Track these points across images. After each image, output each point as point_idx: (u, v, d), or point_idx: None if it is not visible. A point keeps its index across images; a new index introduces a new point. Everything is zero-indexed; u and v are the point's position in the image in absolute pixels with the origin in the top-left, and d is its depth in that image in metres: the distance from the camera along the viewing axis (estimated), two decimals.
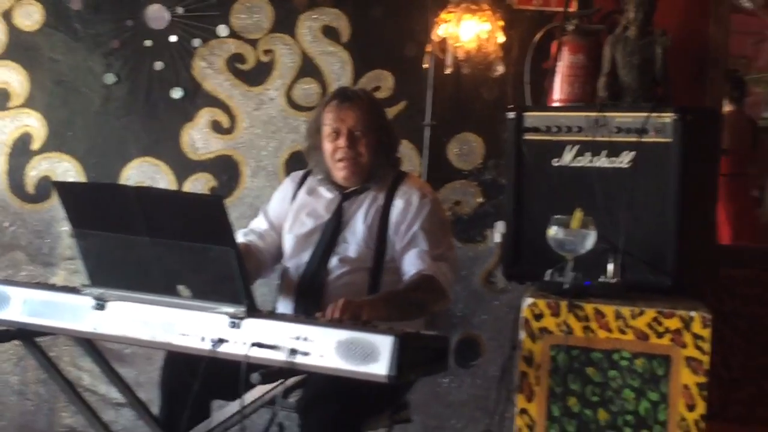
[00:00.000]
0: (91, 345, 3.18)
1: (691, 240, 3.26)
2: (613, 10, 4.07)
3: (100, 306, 2.88)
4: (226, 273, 2.66)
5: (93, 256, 2.92)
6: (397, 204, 3.37)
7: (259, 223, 3.58)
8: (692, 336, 2.80)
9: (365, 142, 3.35)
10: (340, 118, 3.35)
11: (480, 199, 4.28)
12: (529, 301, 2.96)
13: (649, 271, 3.18)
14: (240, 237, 3.47)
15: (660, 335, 2.84)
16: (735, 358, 3.78)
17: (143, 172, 4.58)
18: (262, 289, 3.77)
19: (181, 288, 2.75)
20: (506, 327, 3.87)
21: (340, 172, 3.38)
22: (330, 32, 4.43)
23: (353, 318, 2.81)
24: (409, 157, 4.27)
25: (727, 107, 6.07)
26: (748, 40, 8.39)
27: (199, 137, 4.53)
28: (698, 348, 2.79)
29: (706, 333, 2.79)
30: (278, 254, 3.53)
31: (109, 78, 4.59)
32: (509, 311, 4.07)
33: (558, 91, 3.90)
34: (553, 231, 2.99)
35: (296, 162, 4.29)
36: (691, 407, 2.79)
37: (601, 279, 3.08)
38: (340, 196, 3.44)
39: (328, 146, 3.38)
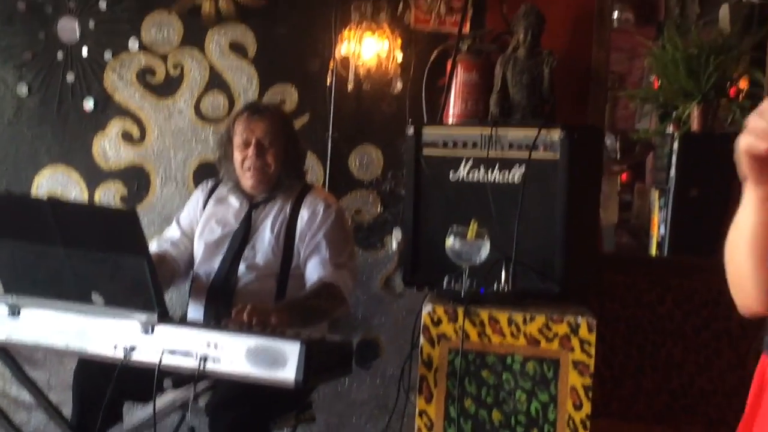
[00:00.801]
0: (4, 351, 3.08)
1: (577, 249, 3.31)
2: (504, 31, 4.12)
3: (14, 313, 2.80)
4: (139, 281, 2.63)
5: (7, 264, 2.84)
6: (303, 213, 3.37)
7: (172, 232, 3.53)
8: (579, 341, 2.84)
9: (273, 153, 3.35)
10: (249, 129, 3.35)
11: (379, 208, 4.28)
12: (428, 308, 2.97)
13: (539, 278, 3.21)
14: (154, 246, 3.42)
15: (549, 340, 2.88)
16: (616, 357, 3.85)
17: (55, 181, 4.45)
18: (171, 294, 3.72)
19: (94, 296, 2.71)
20: (404, 329, 3.89)
21: (248, 181, 3.37)
22: (237, 47, 4.37)
23: (261, 324, 2.78)
24: (313, 168, 4.24)
25: None
26: (623, 55, 8.56)
27: (110, 147, 4.43)
28: (584, 352, 2.84)
29: (591, 338, 2.84)
30: (192, 261, 3.49)
31: (22, 89, 4.45)
32: (407, 314, 4.11)
33: (453, 107, 3.94)
34: (451, 242, 3.00)
35: (204, 171, 4.23)
36: (578, 407, 2.83)
37: (495, 287, 3.11)
38: (248, 205, 3.42)
39: (237, 156, 3.37)
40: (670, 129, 5.80)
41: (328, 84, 4.21)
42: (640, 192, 7.37)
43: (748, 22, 4.83)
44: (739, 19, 5.95)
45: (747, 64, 4.67)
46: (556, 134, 3.30)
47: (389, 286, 4.23)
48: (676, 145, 5.48)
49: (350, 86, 4.14)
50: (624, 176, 7.89)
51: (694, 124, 5.00)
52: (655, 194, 6.62)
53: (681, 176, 4.54)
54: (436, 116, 4.01)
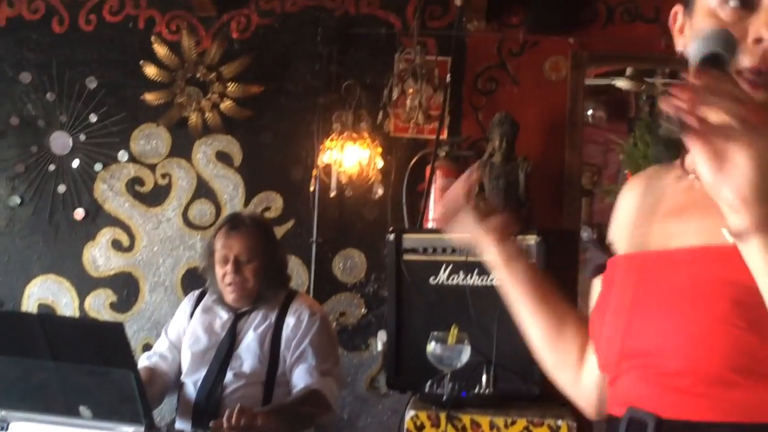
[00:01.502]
0: None
1: None
2: (480, 138, 4.19)
3: (3, 428, 2.77)
4: (127, 394, 2.60)
5: None
6: (289, 321, 3.35)
7: (161, 344, 3.51)
8: None
9: (251, 268, 3.34)
10: (228, 245, 3.35)
11: (363, 310, 4.28)
12: (411, 413, 2.95)
13: (520, 380, 3.21)
14: (144, 360, 3.41)
15: None
16: None
17: (46, 289, 4.45)
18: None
19: (82, 409, 2.67)
20: (389, 430, 3.86)
21: (229, 296, 3.36)
22: (223, 157, 4.43)
23: (248, 425, 2.76)
24: (298, 272, 4.25)
25: None
26: (599, 149, 8.67)
27: (100, 255, 4.44)
28: None
29: None
30: (181, 372, 3.46)
31: (14, 200, 4.48)
32: (392, 414, 4.07)
33: (433, 212, 3.96)
34: (432, 347, 3.00)
35: (192, 277, 4.23)
36: None
37: (477, 390, 3.10)
38: (233, 316, 3.41)
39: (218, 270, 3.37)
40: None
41: (311, 191, 4.25)
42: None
43: None
44: None
45: None
46: (532, 239, 3.34)
47: (374, 386, 4.21)
48: None
49: (333, 193, 4.18)
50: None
51: None
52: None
53: None
54: (417, 220, 4.04)
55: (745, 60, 1.18)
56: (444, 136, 4.18)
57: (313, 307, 3.45)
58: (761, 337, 1.10)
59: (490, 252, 1.56)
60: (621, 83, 7.05)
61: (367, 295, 4.28)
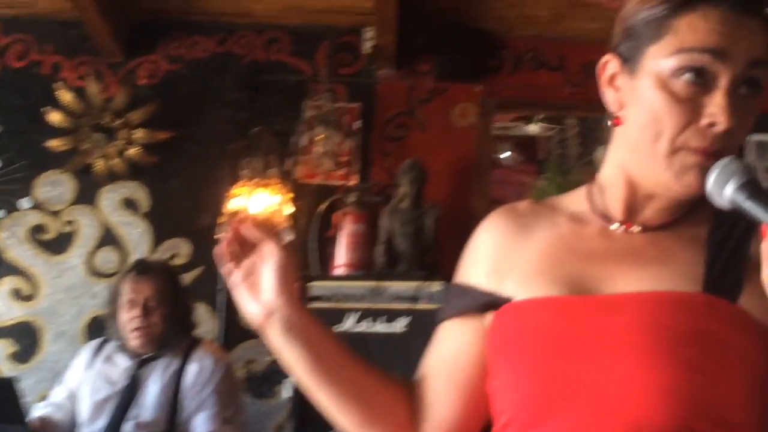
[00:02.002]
0: None
1: None
2: (389, 184, 4.19)
3: None
4: None
5: None
6: (192, 368, 3.29)
7: (59, 394, 3.40)
8: None
9: (159, 313, 3.28)
10: (137, 289, 3.29)
11: (271, 358, 4.20)
12: None
13: None
14: (40, 409, 3.28)
15: None
16: None
17: None
18: None
19: None
20: None
21: (134, 341, 3.29)
22: (130, 204, 4.34)
23: None
24: (206, 320, 4.17)
25: None
26: (512, 190, 8.77)
27: (0, 305, 4.29)
28: None
29: None
30: (78, 422, 3.36)
31: None
32: None
33: (341, 258, 3.94)
34: None
35: (97, 326, 4.09)
36: None
37: None
38: (135, 363, 3.33)
39: (124, 315, 3.29)
40: None
41: (219, 238, 4.17)
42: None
43: None
44: None
45: None
46: (437, 285, 3.34)
47: None
48: None
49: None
50: None
51: None
52: None
53: None
54: (326, 266, 4.01)
55: (695, 140, 1.13)
56: (353, 182, 4.17)
57: (217, 355, 3.40)
58: (729, 385, 1.08)
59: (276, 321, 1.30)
60: (531, 127, 7.15)
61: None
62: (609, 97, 1.25)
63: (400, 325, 3.33)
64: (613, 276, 1.20)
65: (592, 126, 6.69)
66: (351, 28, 4.27)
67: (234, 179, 4.17)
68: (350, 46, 4.31)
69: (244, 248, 1.36)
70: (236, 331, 4.19)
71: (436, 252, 3.90)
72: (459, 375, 1.30)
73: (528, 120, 6.59)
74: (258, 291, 1.32)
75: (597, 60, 4.17)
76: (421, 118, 4.32)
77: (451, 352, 1.32)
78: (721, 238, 1.23)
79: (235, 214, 4.12)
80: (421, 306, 3.34)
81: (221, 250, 1.35)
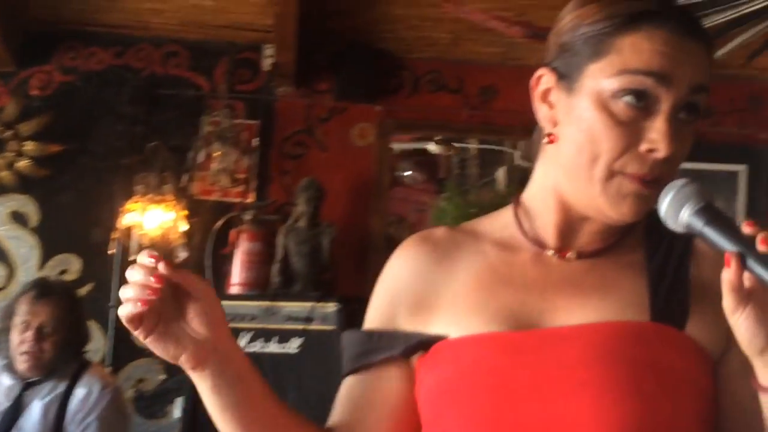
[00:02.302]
0: None
1: None
2: (287, 202, 4.18)
3: None
4: None
5: None
6: (78, 393, 3.20)
7: None
8: None
9: (52, 340, 3.17)
10: (32, 312, 3.17)
11: (162, 376, 4.13)
12: None
13: None
14: None
15: None
16: None
17: None
18: None
19: None
20: None
21: (22, 365, 3.17)
22: (18, 217, 4.21)
23: None
24: (95, 337, 4.07)
25: None
26: (413, 207, 8.86)
27: None
28: None
29: None
30: None
31: None
32: None
33: (236, 276, 3.92)
34: None
35: None
36: None
37: None
38: (20, 385, 3.22)
39: (15, 336, 3.17)
40: None
41: (111, 254, 4.09)
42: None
43: (522, 183, 5.06)
44: (514, 181, 6.29)
45: None
46: (331, 306, 3.35)
47: None
48: None
49: (133, 256, 4.03)
50: None
51: None
52: None
53: None
54: (221, 284, 3.97)
55: (633, 166, 1.10)
56: (250, 199, 4.14)
57: (105, 380, 3.31)
58: (685, 417, 1.06)
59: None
60: (431, 147, 7.22)
61: (167, 360, 4.12)
62: (542, 113, 1.19)
63: (293, 346, 3.33)
64: (555, 307, 1.16)
65: (490, 151, 6.83)
66: (251, 45, 4.25)
67: (128, 194, 4.10)
68: (250, 62, 4.28)
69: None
70: (126, 349, 4.10)
71: (333, 271, 3.91)
72: (385, 425, 1.21)
73: (429, 140, 6.65)
74: (179, 335, 1.11)
75: (495, 83, 4.23)
76: (320, 136, 4.32)
77: (374, 402, 1.22)
78: (659, 262, 1.20)
79: (128, 229, 4.05)
80: (315, 327, 3.34)
81: (140, 297, 1.06)
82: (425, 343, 1.18)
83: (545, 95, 1.18)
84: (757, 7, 2.89)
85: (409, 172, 8.38)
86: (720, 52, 3.15)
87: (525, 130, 4.11)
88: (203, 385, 1.15)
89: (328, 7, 3.81)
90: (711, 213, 1.01)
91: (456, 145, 6.73)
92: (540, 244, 1.21)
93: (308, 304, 3.37)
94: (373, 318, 1.28)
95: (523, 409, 1.08)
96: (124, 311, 1.04)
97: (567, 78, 1.15)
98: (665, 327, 1.11)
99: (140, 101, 4.21)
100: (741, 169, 4.37)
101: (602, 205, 1.13)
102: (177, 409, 4.02)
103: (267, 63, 4.21)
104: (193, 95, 4.26)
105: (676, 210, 1.04)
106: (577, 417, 1.06)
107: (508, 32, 3.37)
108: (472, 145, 6.80)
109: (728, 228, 0.98)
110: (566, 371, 1.09)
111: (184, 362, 1.13)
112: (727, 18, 2.97)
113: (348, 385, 1.25)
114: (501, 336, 1.14)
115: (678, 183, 1.04)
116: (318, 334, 3.34)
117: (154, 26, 4.15)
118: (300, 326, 3.33)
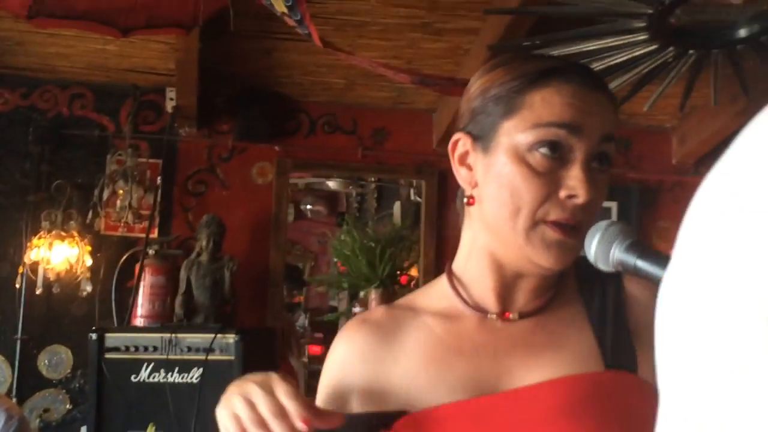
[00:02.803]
0: None
1: None
2: (190, 237, 4.26)
3: None
4: None
5: None
6: None
7: None
8: None
9: None
10: None
11: (68, 406, 4.17)
12: None
13: None
14: None
15: None
16: None
17: None
18: None
19: None
20: None
21: None
22: None
23: None
24: (2, 368, 4.11)
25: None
26: (316, 239, 8.99)
27: None
28: None
29: None
30: None
31: None
32: None
33: (141, 308, 3.97)
34: None
35: None
36: None
37: None
38: None
39: None
40: (357, 308, 6.14)
41: (17, 287, 4.13)
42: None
43: (417, 218, 5.24)
44: (409, 215, 6.47)
45: (417, 254, 5.00)
46: (231, 338, 3.44)
47: None
48: None
49: (39, 290, 4.09)
50: (319, 349, 8.16)
51: (374, 306, 5.35)
52: None
53: None
54: (125, 316, 4.03)
55: (554, 213, 1.11)
56: (154, 235, 4.22)
57: (11, 411, 3.33)
58: None
59: None
60: (331, 184, 7.39)
61: (72, 390, 4.18)
62: (461, 176, 1.20)
63: (194, 376, 3.41)
64: (510, 369, 1.15)
65: (388, 186, 7.02)
66: (154, 88, 4.34)
67: (34, 230, 4.15)
68: (153, 104, 4.37)
69: None
70: (32, 380, 4.15)
71: (233, 304, 4.00)
72: None
73: (329, 177, 6.78)
74: None
75: (386, 125, 4.42)
76: (221, 175, 4.43)
77: None
78: (598, 311, 1.20)
79: (35, 264, 4.10)
80: (215, 357, 3.42)
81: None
82: (387, 421, 1.15)
83: (463, 159, 1.20)
84: (623, 59, 3.11)
85: (311, 207, 8.54)
86: None
87: (415, 168, 4.34)
88: None
89: (229, 53, 3.92)
90: (641, 247, 1.01)
91: (355, 181, 6.89)
92: (481, 311, 1.21)
93: (209, 336, 3.45)
94: (320, 403, 1.23)
95: None
96: None
97: (482, 138, 1.16)
98: (621, 373, 1.11)
99: (46, 141, 4.26)
100: (612, 205, 4.65)
101: (530, 254, 1.13)
102: None
103: (170, 105, 4.29)
104: (98, 135, 4.33)
105: (605, 250, 1.04)
106: None
107: (397, 78, 3.51)
108: (371, 182, 6.99)
109: (661, 258, 0.98)
110: (542, 428, 1.08)
111: None
112: (597, 69, 3.19)
113: None
114: (466, 404, 1.13)
115: (602, 224, 1.06)
116: (218, 363, 3.41)
117: (61, 69, 4.21)
118: (201, 357, 3.41)
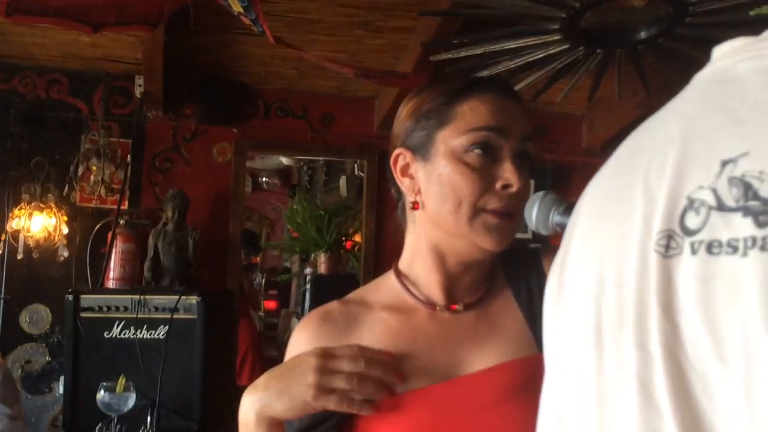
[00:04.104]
0: None
1: (214, 391, 3.41)
2: (157, 209, 4.22)
3: None
4: None
5: None
6: None
7: None
8: None
9: None
10: None
11: (47, 358, 4.12)
12: None
13: (180, 418, 3.27)
14: None
15: None
16: None
17: None
18: None
19: None
20: None
21: None
22: None
23: None
24: None
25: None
26: (270, 207, 8.96)
27: None
28: None
29: None
30: None
31: None
32: None
33: (113, 272, 3.94)
34: (101, 395, 3.00)
35: None
36: None
37: (142, 430, 3.12)
38: None
39: None
40: (308, 270, 6.15)
41: (0, 253, 4.06)
42: (284, 316, 7.65)
43: (360, 190, 5.26)
44: (353, 188, 6.47)
45: (360, 222, 5.03)
46: (194, 299, 3.43)
47: (55, 425, 4.05)
48: (308, 285, 5.83)
49: (20, 255, 4.02)
50: (273, 304, 8.17)
51: (323, 268, 5.37)
52: (294, 320, 6.89)
53: (312, 306, 4.80)
54: (99, 279, 3.99)
55: (492, 202, 1.13)
56: (124, 206, 4.16)
57: None
58: None
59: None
60: (284, 159, 7.35)
61: (51, 344, 4.13)
62: (405, 185, 1.22)
63: (160, 333, 3.39)
64: (460, 358, 1.15)
65: (335, 162, 7.00)
66: (124, 75, 4.26)
67: (16, 202, 4.07)
68: (124, 90, 4.29)
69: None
70: (15, 335, 4.10)
71: (196, 268, 3.98)
72: None
73: (284, 155, 6.73)
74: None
75: (333, 111, 4.36)
76: (185, 154, 4.37)
77: None
78: (526, 298, 1.21)
79: (16, 232, 4.02)
80: (180, 316, 3.41)
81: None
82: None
83: (405, 170, 1.22)
84: (540, 56, 3.13)
85: (268, 179, 8.51)
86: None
87: (358, 149, 4.31)
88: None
89: (193, 45, 3.87)
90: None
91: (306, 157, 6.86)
92: (430, 304, 1.21)
93: (174, 297, 3.43)
94: None
95: None
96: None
97: (421, 149, 1.19)
98: None
99: (26, 121, 4.17)
100: (531, 181, 4.69)
101: (474, 240, 1.15)
102: (60, 386, 4.03)
103: (138, 91, 4.22)
104: (73, 117, 4.24)
105: (545, 216, 1.07)
106: None
107: (341, 71, 3.49)
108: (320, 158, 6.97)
109: None
110: (490, 411, 1.09)
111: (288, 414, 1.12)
112: (517, 65, 3.21)
113: None
114: (424, 391, 1.13)
115: (539, 195, 1.09)
116: (182, 322, 3.40)
117: (38, 57, 4.12)
118: (167, 316, 3.39)
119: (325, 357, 1.11)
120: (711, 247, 0.54)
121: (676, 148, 0.59)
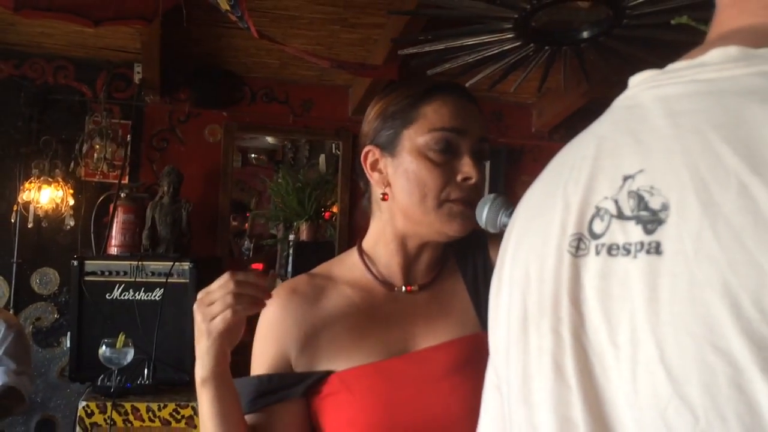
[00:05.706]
0: None
1: None
2: (154, 183, 4.15)
3: None
4: None
5: None
6: None
7: None
8: None
9: None
10: None
11: (56, 315, 4.06)
12: (83, 403, 2.88)
13: (173, 371, 3.23)
14: None
15: (178, 421, 2.90)
16: None
17: None
18: None
19: None
20: (75, 409, 3.70)
21: None
22: None
23: None
24: (2, 286, 3.97)
25: None
26: (259, 180, 8.88)
27: None
28: None
29: None
30: None
31: None
32: (78, 396, 3.90)
33: (114, 240, 3.88)
34: (103, 350, 2.95)
35: None
36: None
37: (140, 381, 3.08)
38: None
39: None
40: (291, 236, 6.11)
41: (12, 222, 3.97)
42: (271, 276, 7.61)
43: (337, 167, 5.21)
44: (331, 165, 6.41)
45: (336, 196, 4.98)
46: (186, 265, 3.38)
47: (63, 375, 4.00)
48: (291, 250, 5.79)
49: (30, 224, 3.94)
50: (260, 266, 8.14)
51: (304, 235, 5.33)
52: (278, 280, 6.86)
53: (295, 270, 4.78)
54: (102, 245, 3.93)
55: (455, 193, 1.12)
56: (125, 181, 4.09)
57: (9, 321, 3.22)
58: None
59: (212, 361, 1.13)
60: (270, 139, 7.26)
61: (60, 303, 4.06)
62: (375, 179, 1.19)
63: (156, 295, 3.35)
64: (414, 334, 1.14)
65: (316, 141, 6.93)
66: (125, 63, 4.16)
67: (26, 176, 3.98)
68: (124, 76, 4.19)
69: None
70: (26, 295, 4.04)
71: (189, 237, 3.93)
72: None
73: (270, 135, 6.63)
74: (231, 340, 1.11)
75: (312, 98, 4.30)
76: (179, 134, 4.29)
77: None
78: (472, 281, 1.20)
79: (26, 203, 3.94)
80: (174, 280, 3.37)
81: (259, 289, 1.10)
82: (318, 380, 1.13)
83: (374, 165, 1.19)
84: (495, 52, 3.10)
85: (255, 156, 8.42)
86: (472, 81, 3.37)
87: (334, 131, 4.26)
88: (209, 393, 1.12)
89: (186, 37, 3.79)
90: None
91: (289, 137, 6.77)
92: (389, 284, 1.20)
93: (169, 263, 3.38)
94: (263, 363, 1.16)
95: (411, 415, 1.07)
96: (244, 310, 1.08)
97: (389, 146, 1.16)
98: None
99: (35, 104, 4.06)
100: (486, 163, 4.67)
101: (439, 227, 1.13)
102: (67, 341, 3.98)
103: (137, 77, 4.13)
104: (78, 100, 4.14)
105: (494, 216, 1.07)
106: (453, 415, 1.06)
107: (319, 62, 3.44)
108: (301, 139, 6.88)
109: None
110: (438, 383, 1.09)
111: (216, 361, 1.12)
112: (475, 59, 3.18)
113: (251, 423, 1.14)
114: (380, 365, 1.11)
115: (489, 197, 1.10)
116: (176, 285, 3.36)
117: (46, 46, 4.00)
118: (162, 280, 3.35)
119: (202, 296, 1.16)
120: (611, 250, 0.57)
121: (589, 164, 0.61)
